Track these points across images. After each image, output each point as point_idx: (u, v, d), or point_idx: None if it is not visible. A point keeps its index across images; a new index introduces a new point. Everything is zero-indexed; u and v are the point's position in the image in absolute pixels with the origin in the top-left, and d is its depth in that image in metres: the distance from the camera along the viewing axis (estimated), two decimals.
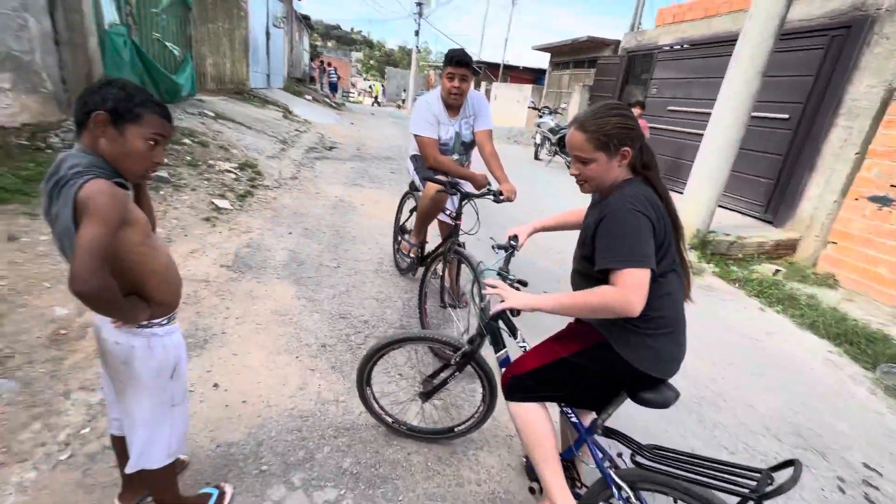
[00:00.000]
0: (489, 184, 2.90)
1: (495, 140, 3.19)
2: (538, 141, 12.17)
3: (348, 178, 7.01)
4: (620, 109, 1.35)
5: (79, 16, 4.88)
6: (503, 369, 1.68)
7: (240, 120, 8.17)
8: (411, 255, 3.48)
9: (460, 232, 2.81)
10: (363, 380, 2.00)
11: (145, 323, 1.24)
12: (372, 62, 66.56)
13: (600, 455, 1.48)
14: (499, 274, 1.74)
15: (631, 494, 1.36)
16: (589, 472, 1.71)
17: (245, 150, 6.51)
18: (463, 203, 2.81)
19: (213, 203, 4.49)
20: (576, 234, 1.58)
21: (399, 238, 3.85)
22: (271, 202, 5.17)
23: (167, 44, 7.10)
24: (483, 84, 24.94)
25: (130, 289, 1.19)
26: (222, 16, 10.06)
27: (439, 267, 3.00)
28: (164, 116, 1.21)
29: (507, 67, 28.39)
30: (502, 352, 1.77)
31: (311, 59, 28.30)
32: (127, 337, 1.24)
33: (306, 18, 24.63)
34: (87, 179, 1.05)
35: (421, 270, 3.21)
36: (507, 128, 17.21)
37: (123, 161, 1.15)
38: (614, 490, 1.40)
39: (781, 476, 1.09)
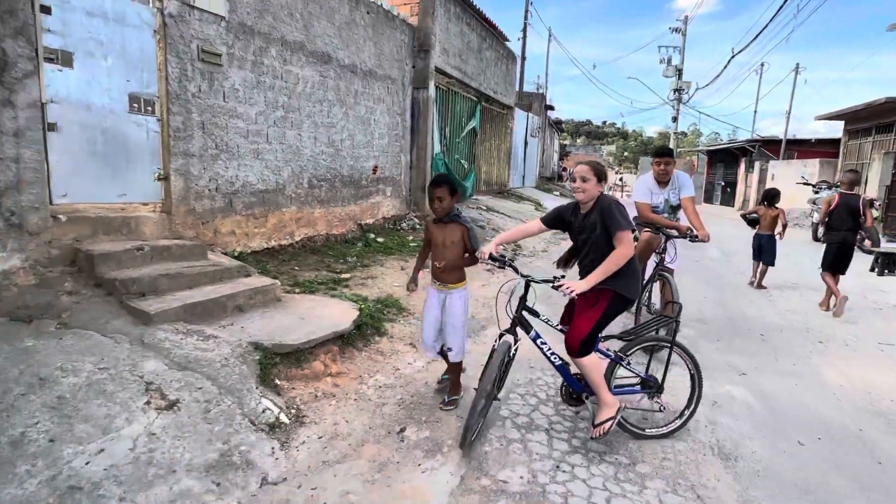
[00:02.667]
0: (690, 231, 4.77)
1: None
2: (815, 220, 12.09)
3: None
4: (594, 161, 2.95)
5: (424, 151, 9.10)
6: (540, 343, 2.99)
7: (503, 211, 11.75)
8: None
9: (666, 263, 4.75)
10: None
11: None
12: (626, 153, 70.58)
13: (610, 352, 3.08)
14: (525, 277, 2.98)
15: (628, 360, 3.05)
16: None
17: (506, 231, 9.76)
18: (667, 242, 4.77)
19: None
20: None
21: None
22: (527, 264, 7.92)
23: (462, 160, 11.36)
24: (757, 164, 24.50)
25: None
26: (495, 135, 14.58)
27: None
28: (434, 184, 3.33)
29: (792, 142, 27.00)
30: (532, 332, 2.99)
31: (560, 159, 33.25)
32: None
33: (557, 123, 29.88)
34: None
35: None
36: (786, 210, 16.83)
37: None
38: (622, 363, 3.05)
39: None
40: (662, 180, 5.08)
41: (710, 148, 31.71)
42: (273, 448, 2.76)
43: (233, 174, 5.42)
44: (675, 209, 5.20)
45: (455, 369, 3.41)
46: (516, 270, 3.00)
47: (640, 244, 4.99)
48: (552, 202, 16.89)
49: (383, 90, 8.20)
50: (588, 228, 2.87)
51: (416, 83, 9.17)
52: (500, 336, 2.93)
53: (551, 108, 24.27)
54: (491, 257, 2.94)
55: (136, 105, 4.41)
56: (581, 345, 2.77)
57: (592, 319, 2.81)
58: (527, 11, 23.45)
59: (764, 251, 7.37)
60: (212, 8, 4.87)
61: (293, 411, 3.14)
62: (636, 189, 5.21)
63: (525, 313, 2.98)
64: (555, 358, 2.96)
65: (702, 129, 69.52)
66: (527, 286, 2.96)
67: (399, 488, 2.55)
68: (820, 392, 4.01)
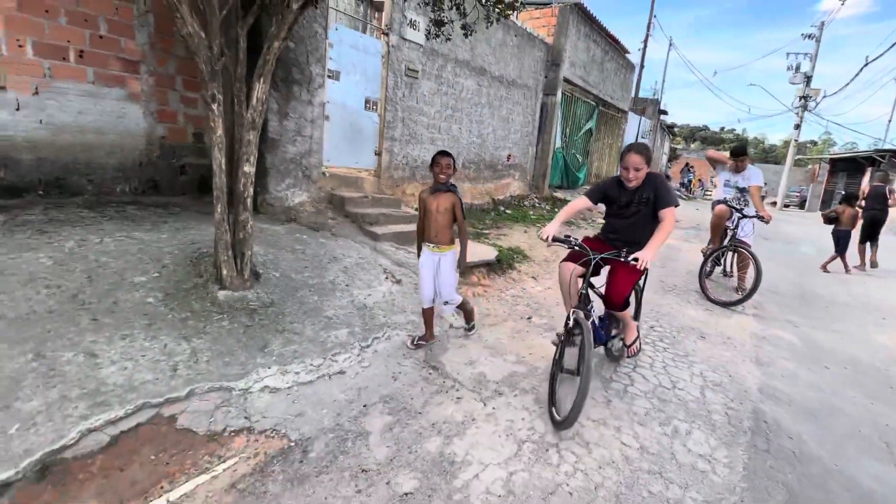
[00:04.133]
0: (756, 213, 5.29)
1: None
2: None
3: (682, 236, 9.68)
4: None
5: (547, 145, 10.05)
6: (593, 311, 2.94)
7: None
8: (703, 251, 6.04)
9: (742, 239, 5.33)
10: None
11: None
12: None
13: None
14: (590, 252, 2.83)
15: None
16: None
17: None
18: (739, 219, 5.34)
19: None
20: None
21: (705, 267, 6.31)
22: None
23: (577, 155, 12.06)
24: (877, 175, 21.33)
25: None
26: (608, 135, 14.89)
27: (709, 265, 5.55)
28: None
29: None
30: (590, 304, 2.91)
31: (669, 160, 31.54)
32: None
33: (670, 127, 28.40)
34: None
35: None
36: None
37: None
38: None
39: None
40: (738, 171, 5.62)
41: (834, 157, 27.87)
42: (452, 313, 4.13)
43: (416, 154, 6.94)
44: (741, 191, 5.67)
45: (462, 305, 3.53)
46: (584, 249, 2.83)
47: (712, 218, 5.59)
48: None
49: (520, 96, 9.28)
50: (639, 201, 2.87)
51: (547, 90, 10.09)
52: (571, 316, 2.76)
53: (664, 112, 23.30)
54: (555, 238, 2.80)
55: (368, 105, 6.04)
56: (625, 300, 2.94)
57: (633, 280, 2.92)
58: (649, 24, 22.65)
59: (840, 244, 7.66)
60: (416, 39, 6.33)
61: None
62: (719, 182, 5.81)
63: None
64: (597, 320, 3.06)
65: (835, 138, 59.96)
66: (591, 263, 2.81)
67: (528, 342, 3.76)
68: (862, 346, 4.43)
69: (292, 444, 2.35)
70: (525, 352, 3.57)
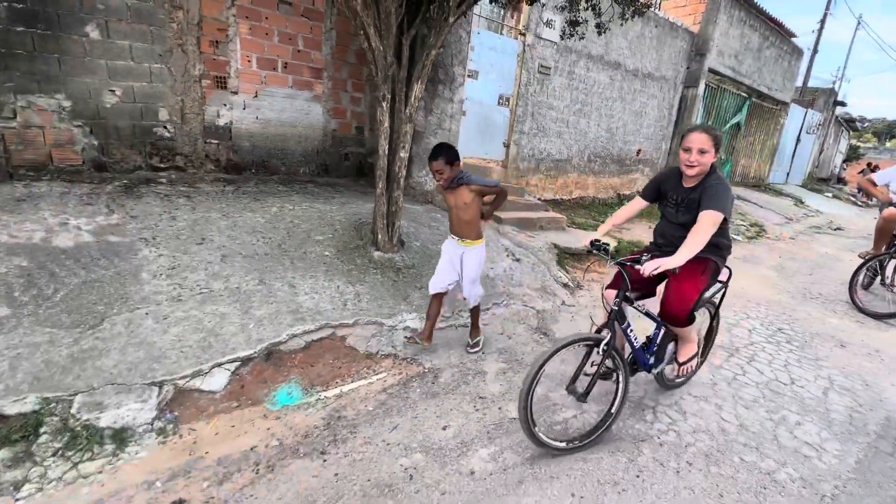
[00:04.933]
0: None
1: None
2: None
3: (845, 246, 8.44)
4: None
5: None
6: (630, 331, 2.42)
7: (752, 200, 11.07)
8: (861, 256, 5.32)
9: None
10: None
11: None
12: None
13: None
14: (618, 263, 2.31)
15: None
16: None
17: (754, 216, 9.41)
18: None
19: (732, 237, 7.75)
20: None
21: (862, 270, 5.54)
22: (771, 245, 7.82)
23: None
24: None
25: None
26: (761, 130, 13.31)
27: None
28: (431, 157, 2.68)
29: None
30: (626, 322, 2.40)
31: (846, 161, 26.54)
32: None
33: (849, 121, 23.88)
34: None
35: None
36: None
37: None
38: None
39: None
40: None
41: None
42: (565, 292, 4.44)
43: (542, 147, 7.26)
44: None
45: (474, 313, 3.19)
46: (614, 258, 2.31)
47: (879, 221, 4.95)
48: (818, 201, 14.49)
49: (656, 88, 8.93)
50: (689, 204, 2.30)
51: (687, 82, 9.51)
52: (598, 332, 2.30)
53: (841, 104, 19.71)
54: (593, 244, 2.38)
55: (500, 101, 6.53)
56: (689, 315, 2.33)
57: (695, 289, 2.33)
58: (829, 1, 19.25)
59: None
60: (551, 38, 6.63)
61: (574, 281, 4.77)
62: (884, 174, 5.10)
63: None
64: (637, 342, 2.51)
65: None
66: (622, 274, 2.32)
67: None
68: None
69: (426, 370, 2.96)
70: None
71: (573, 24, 4.51)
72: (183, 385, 2.41)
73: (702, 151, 2.19)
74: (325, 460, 2.15)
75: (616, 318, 2.30)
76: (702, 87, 9.55)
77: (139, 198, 3.99)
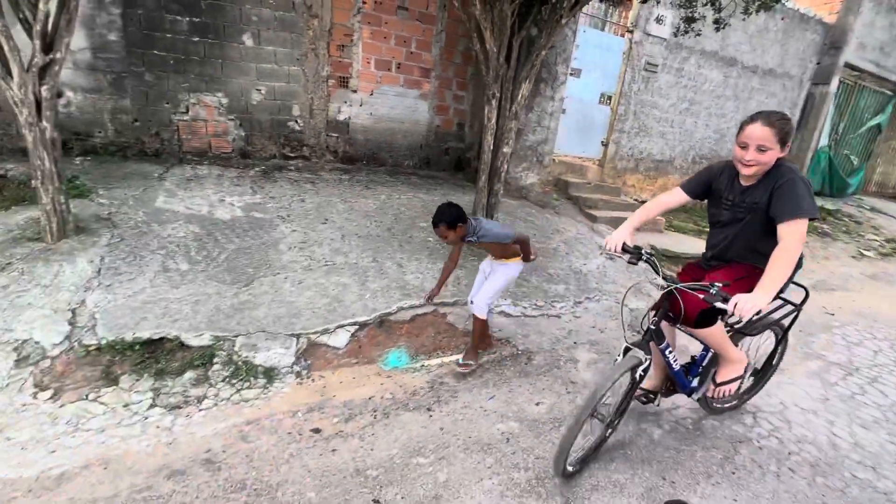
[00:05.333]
0: None
1: None
2: None
3: None
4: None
5: (807, 143, 8.60)
6: (669, 352, 2.11)
7: (891, 214, 9.67)
8: None
9: None
10: None
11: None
12: None
13: None
14: (665, 279, 1.88)
15: None
16: None
17: (890, 231, 8.25)
18: None
19: (860, 252, 6.90)
20: None
21: None
22: None
23: (852, 156, 9.85)
24: None
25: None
26: None
27: None
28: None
29: None
30: (664, 342, 2.07)
31: None
32: None
33: None
34: None
35: None
36: None
37: None
38: None
39: None
40: None
41: None
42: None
43: (643, 147, 7.03)
44: None
45: (475, 325, 2.84)
46: (656, 270, 1.93)
47: None
48: None
49: (778, 87, 8.17)
50: (747, 207, 1.88)
51: (817, 79, 8.56)
52: (626, 351, 1.98)
53: None
54: (624, 248, 1.97)
55: (602, 99, 6.46)
56: (701, 314, 1.94)
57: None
58: None
59: None
60: (660, 34, 6.40)
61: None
62: None
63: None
64: (676, 364, 2.17)
65: None
66: (669, 293, 1.93)
67: None
68: None
69: (519, 351, 3.14)
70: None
71: (689, 20, 4.38)
72: (314, 339, 2.84)
73: (761, 149, 1.74)
74: (430, 416, 2.43)
75: (653, 337, 1.99)
76: (834, 83, 8.54)
77: (274, 182, 4.63)
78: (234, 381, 2.48)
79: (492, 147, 4.00)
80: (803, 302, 2.29)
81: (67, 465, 1.89)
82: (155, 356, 2.51)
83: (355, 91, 5.47)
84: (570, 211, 5.77)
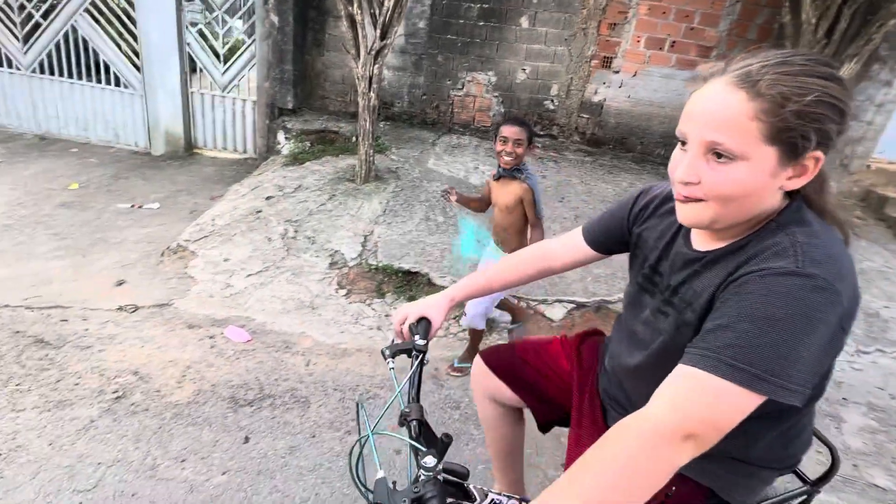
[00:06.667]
0: None
1: None
2: None
3: None
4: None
5: None
6: None
7: None
8: None
9: None
10: None
11: None
12: None
13: None
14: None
15: None
16: None
17: None
18: None
19: None
20: None
21: None
22: None
23: None
24: None
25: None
26: None
27: None
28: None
29: None
30: None
31: None
32: None
33: None
34: None
35: None
36: None
37: None
38: None
39: None
40: None
41: None
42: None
43: None
44: None
45: (472, 336, 2.49)
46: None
47: None
48: None
49: None
50: (680, 298, 0.84)
51: None
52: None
53: None
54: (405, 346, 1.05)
55: None
56: None
57: None
58: None
59: None
60: None
61: None
62: None
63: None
64: None
65: None
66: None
67: None
68: None
69: None
70: None
71: None
72: (534, 306, 3.03)
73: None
74: None
75: None
76: None
77: None
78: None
79: None
80: None
81: (348, 344, 2.59)
82: (409, 284, 3.12)
83: (617, 72, 5.25)
84: (878, 235, 4.34)
